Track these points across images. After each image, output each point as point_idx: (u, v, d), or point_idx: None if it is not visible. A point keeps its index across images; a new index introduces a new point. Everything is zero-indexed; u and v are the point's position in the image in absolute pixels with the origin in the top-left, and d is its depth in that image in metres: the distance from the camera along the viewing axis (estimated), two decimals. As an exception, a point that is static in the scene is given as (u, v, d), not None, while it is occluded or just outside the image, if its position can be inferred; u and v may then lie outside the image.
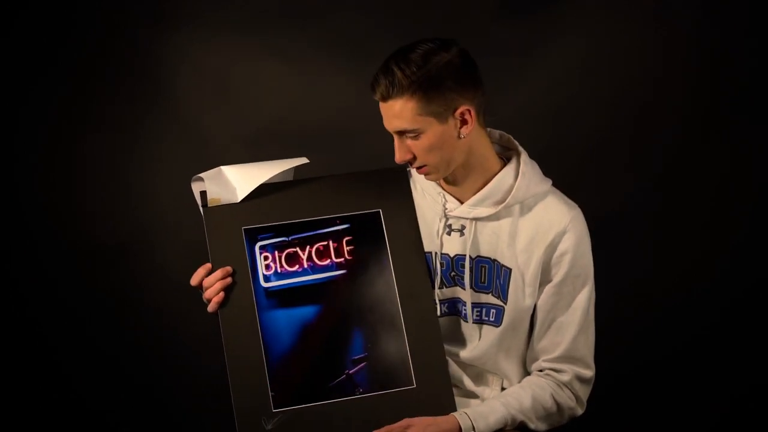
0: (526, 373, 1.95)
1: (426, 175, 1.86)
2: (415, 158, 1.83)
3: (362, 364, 1.82)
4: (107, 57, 2.78)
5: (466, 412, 1.80)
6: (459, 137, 1.81)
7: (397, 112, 1.77)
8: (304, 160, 1.95)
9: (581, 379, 1.89)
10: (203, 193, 1.87)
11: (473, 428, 1.77)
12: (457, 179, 1.89)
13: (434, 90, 1.76)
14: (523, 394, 1.86)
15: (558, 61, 2.72)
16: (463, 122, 1.80)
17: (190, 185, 1.90)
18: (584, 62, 2.73)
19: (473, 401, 1.94)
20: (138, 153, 2.82)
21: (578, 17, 2.71)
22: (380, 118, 1.83)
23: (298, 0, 2.77)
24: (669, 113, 2.76)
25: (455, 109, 1.79)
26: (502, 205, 1.87)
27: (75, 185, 2.82)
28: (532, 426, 1.86)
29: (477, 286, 1.90)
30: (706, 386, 2.83)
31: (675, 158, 2.77)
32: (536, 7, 2.70)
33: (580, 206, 1.92)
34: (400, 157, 1.83)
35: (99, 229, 2.83)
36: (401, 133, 1.80)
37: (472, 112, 1.80)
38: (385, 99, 1.79)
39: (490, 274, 1.89)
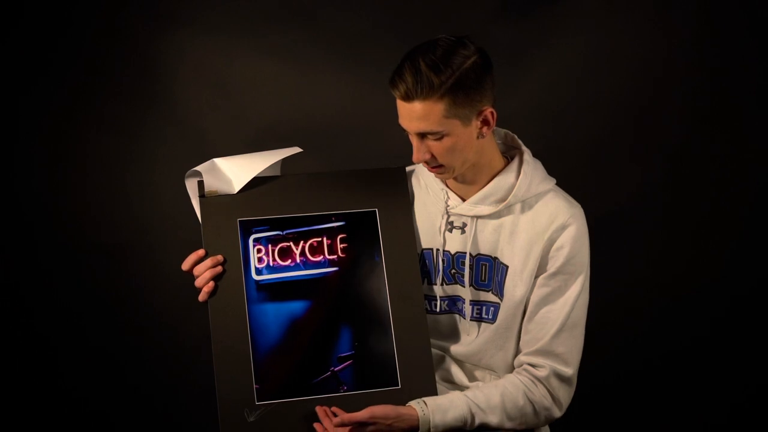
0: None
1: (439, 174, 1.83)
2: (432, 158, 1.79)
3: (348, 362, 1.82)
4: (107, 57, 2.77)
5: (426, 401, 1.76)
6: (478, 137, 1.79)
7: (422, 114, 1.72)
8: (297, 150, 1.94)
9: (559, 377, 1.82)
10: (201, 183, 1.87)
11: (429, 422, 1.73)
12: (465, 177, 1.87)
13: (463, 94, 1.72)
14: (493, 392, 1.80)
15: (558, 61, 2.72)
16: (485, 122, 1.78)
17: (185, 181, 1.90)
18: (584, 62, 2.73)
19: None
20: (138, 153, 2.81)
21: (578, 17, 2.71)
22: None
23: (298, 0, 2.76)
24: (669, 113, 2.75)
25: (480, 111, 1.76)
26: (504, 203, 1.86)
27: (75, 185, 2.81)
28: (497, 423, 1.79)
29: (477, 284, 1.89)
30: (706, 386, 2.82)
31: (675, 158, 2.76)
32: (536, 7, 2.71)
33: (580, 205, 1.90)
34: (418, 157, 1.77)
35: (98, 228, 2.82)
36: (423, 134, 1.75)
37: (495, 113, 1.77)
38: (409, 99, 1.71)
39: (491, 272, 1.88)
